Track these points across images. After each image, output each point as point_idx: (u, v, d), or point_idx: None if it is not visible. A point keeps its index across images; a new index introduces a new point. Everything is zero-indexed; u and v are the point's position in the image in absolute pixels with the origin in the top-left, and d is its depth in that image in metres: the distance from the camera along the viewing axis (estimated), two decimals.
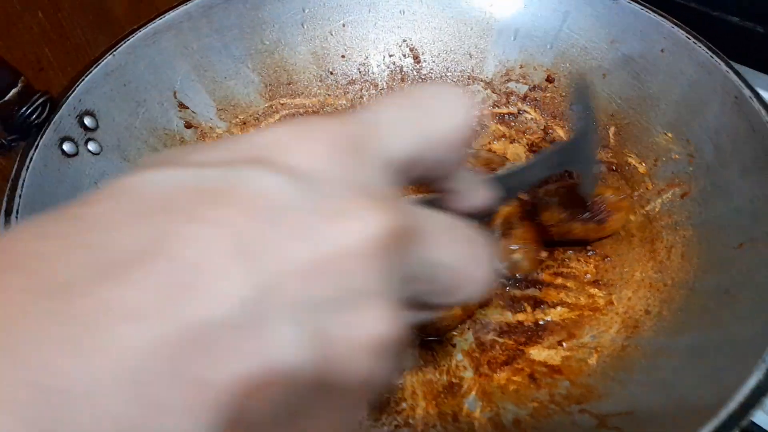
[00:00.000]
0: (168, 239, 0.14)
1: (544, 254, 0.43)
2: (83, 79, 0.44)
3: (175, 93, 0.50)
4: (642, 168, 0.48)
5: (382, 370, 0.17)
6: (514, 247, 0.43)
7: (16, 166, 0.38)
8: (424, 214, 0.19)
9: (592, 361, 0.39)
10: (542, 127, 0.54)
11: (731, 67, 0.43)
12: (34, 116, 0.40)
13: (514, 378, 0.39)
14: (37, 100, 0.40)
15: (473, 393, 0.39)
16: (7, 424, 0.12)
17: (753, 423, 0.34)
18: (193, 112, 0.51)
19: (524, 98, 0.55)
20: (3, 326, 0.13)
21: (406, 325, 0.18)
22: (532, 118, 0.55)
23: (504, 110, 0.56)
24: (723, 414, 0.27)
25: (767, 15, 0.59)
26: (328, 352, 0.15)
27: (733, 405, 0.27)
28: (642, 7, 0.49)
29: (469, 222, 0.22)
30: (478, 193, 0.25)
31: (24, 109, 0.40)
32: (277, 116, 0.54)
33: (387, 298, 0.17)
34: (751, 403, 0.27)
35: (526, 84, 0.55)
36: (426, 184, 0.24)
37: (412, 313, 0.20)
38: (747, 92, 0.41)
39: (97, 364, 0.13)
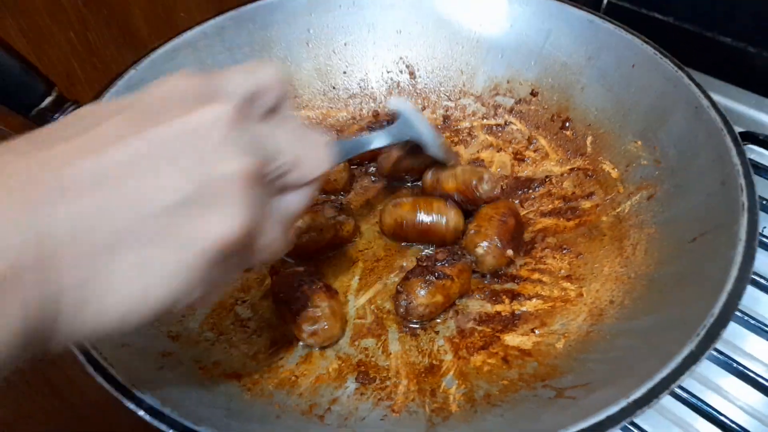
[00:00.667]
0: (92, 127, 0.24)
1: (509, 252, 0.47)
2: (108, 90, 0.49)
3: None
4: (615, 173, 0.52)
5: (249, 198, 0.25)
6: (482, 244, 0.46)
7: None
8: (261, 111, 0.29)
9: (560, 345, 0.42)
10: (527, 137, 0.58)
11: (693, 80, 0.47)
12: None
13: (489, 360, 0.43)
14: (68, 108, 0.45)
15: (451, 373, 0.42)
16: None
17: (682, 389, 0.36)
18: None
19: (510, 111, 0.60)
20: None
21: (270, 177, 0.28)
22: (517, 129, 0.59)
23: (492, 122, 0.60)
24: (657, 377, 0.31)
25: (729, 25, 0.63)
26: (204, 180, 0.24)
27: (667, 370, 0.31)
28: (616, 27, 0.53)
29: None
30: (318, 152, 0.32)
31: (57, 115, 0.45)
32: None
33: (240, 147, 0.25)
34: (684, 368, 0.31)
35: (512, 98, 0.60)
36: None
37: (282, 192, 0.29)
38: (705, 102, 0.45)
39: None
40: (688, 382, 0.32)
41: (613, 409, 0.30)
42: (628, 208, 0.49)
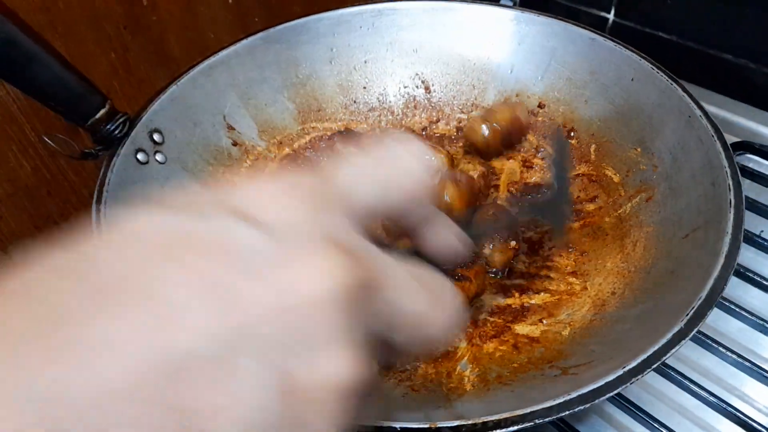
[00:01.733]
0: (153, 281, 0.16)
1: (512, 243, 0.51)
2: (153, 104, 0.54)
3: (224, 117, 0.60)
4: (616, 178, 0.56)
5: (346, 412, 0.18)
6: (486, 245, 0.50)
7: (103, 170, 0.48)
8: (388, 262, 0.20)
9: (566, 332, 0.46)
10: (534, 146, 0.63)
11: (686, 91, 0.51)
12: (116, 131, 0.50)
13: (501, 347, 0.47)
14: (119, 119, 0.50)
15: (465, 358, 0.46)
16: (12, 423, 0.13)
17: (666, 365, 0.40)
18: (239, 132, 0.61)
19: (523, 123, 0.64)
20: (9, 345, 0.14)
21: (371, 367, 0.19)
22: (525, 139, 0.63)
23: None
24: (649, 351, 0.34)
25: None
26: (292, 391, 0.17)
27: (658, 345, 0.35)
28: (615, 44, 0.57)
29: (439, 271, 0.23)
30: (448, 242, 0.27)
31: (108, 125, 0.50)
32: (308, 137, 0.64)
33: (349, 343, 0.18)
34: (673, 343, 0.35)
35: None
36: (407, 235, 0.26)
37: (381, 355, 0.21)
38: (698, 112, 0.49)
39: (90, 383, 0.14)
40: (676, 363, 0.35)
41: (610, 377, 0.34)
42: (629, 210, 0.53)
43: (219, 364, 0.16)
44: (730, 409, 0.43)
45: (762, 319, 0.48)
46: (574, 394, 0.33)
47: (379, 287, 0.19)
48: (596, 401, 0.33)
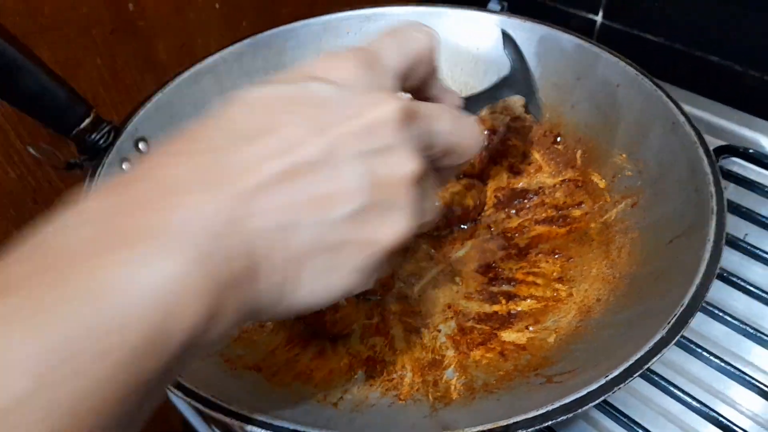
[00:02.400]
0: (274, 125, 0.25)
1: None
2: (139, 112, 0.54)
3: None
4: (602, 184, 0.56)
5: (415, 197, 0.27)
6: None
7: (87, 181, 0.48)
8: (424, 102, 0.29)
9: (551, 339, 0.46)
10: (521, 151, 0.63)
11: (670, 98, 0.51)
12: (101, 141, 0.50)
13: (487, 355, 0.47)
14: (104, 128, 0.50)
15: (452, 366, 0.46)
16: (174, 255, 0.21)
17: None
18: None
19: (506, 127, 0.64)
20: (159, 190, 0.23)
21: (427, 165, 0.28)
22: (512, 144, 0.63)
23: (488, 138, 0.64)
24: (632, 359, 0.35)
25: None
26: (379, 182, 0.26)
27: (641, 353, 0.35)
28: (601, 50, 0.58)
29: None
30: (452, 99, 0.36)
31: (93, 135, 0.50)
32: None
33: (410, 148, 0.27)
34: (656, 351, 0.35)
35: (508, 115, 0.64)
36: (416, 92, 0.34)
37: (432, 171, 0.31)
38: (681, 118, 0.49)
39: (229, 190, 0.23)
40: (661, 368, 0.36)
41: (593, 386, 0.34)
42: (614, 216, 0.53)
43: (331, 164, 0.25)
44: (713, 413, 0.43)
45: (746, 324, 0.49)
46: (557, 404, 0.33)
47: (420, 116, 0.28)
48: (580, 410, 0.33)
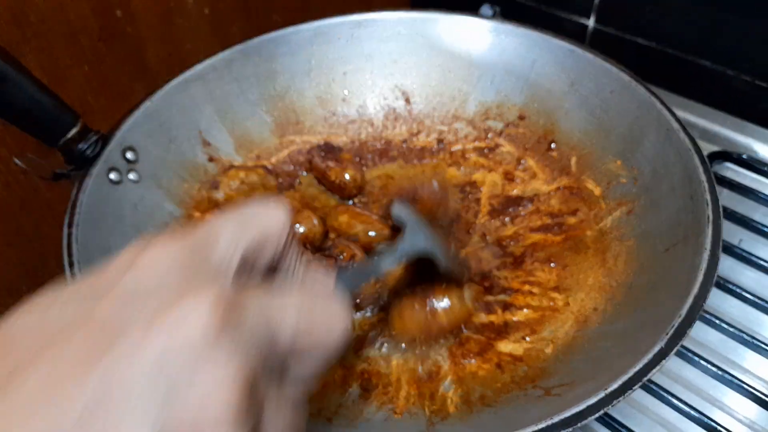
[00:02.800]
0: (17, 373, 0.18)
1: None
2: (127, 120, 0.53)
3: (200, 132, 0.59)
4: (597, 191, 0.56)
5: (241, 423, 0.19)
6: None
7: (74, 191, 0.47)
8: (257, 287, 0.23)
9: (548, 350, 0.46)
10: (516, 158, 0.62)
11: (664, 104, 0.51)
12: (88, 151, 0.49)
13: (484, 366, 0.46)
14: (91, 138, 0.49)
15: (449, 378, 0.46)
16: None
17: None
18: (215, 148, 0.60)
19: (500, 133, 0.64)
20: None
21: (269, 379, 0.21)
22: (507, 151, 0.63)
23: (483, 144, 0.64)
24: (630, 372, 0.34)
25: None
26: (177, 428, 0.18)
27: (639, 365, 0.34)
28: (594, 55, 0.57)
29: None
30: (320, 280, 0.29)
31: (81, 145, 0.49)
32: (286, 151, 0.63)
33: (229, 364, 0.19)
34: (654, 363, 0.34)
35: (501, 121, 0.64)
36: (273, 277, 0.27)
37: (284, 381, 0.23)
38: (675, 125, 0.49)
39: None
40: (657, 376, 0.35)
41: (592, 400, 0.33)
42: (610, 223, 0.53)
43: (103, 412, 0.17)
44: (709, 421, 0.43)
45: (741, 330, 0.49)
46: (556, 418, 0.33)
47: (248, 306, 0.21)
48: (579, 424, 0.33)
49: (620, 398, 0.33)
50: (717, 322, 0.49)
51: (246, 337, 0.20)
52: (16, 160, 0.49)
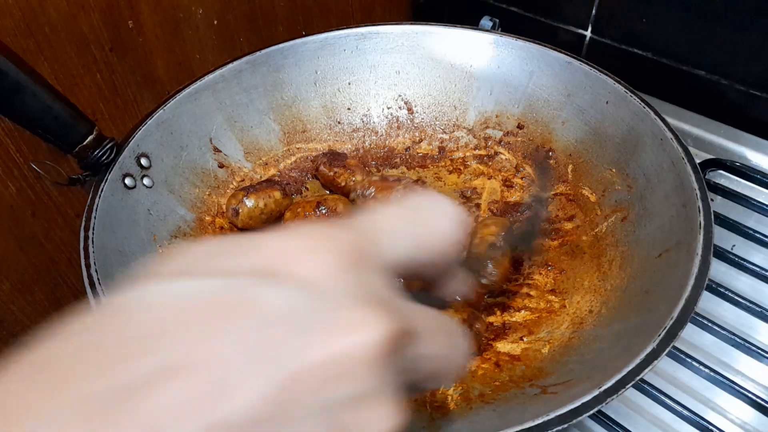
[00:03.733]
0: (189, 355, 0.16)
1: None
2: (140, 129, 0.55)
3: (210, 139, 0.61)
4: (593, 198, 0.57)
5: None
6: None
7: (90, 195, 0.49)
8: (417, 313, 0.21)
9: (545, 350, 0.47)
10: (514, 166, 0.64)
11: (658, 115, 0.53)
12: (104, 157, 0.51)
13: (483, 365, 0.48)
14: (106, 145, 0.51)
15: None
16: None
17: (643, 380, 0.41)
18: (225, 155, 0.62)
19: (499, 142, 0.66)
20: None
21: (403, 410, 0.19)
22: (506, 159, 0.65)
23: (483, 152, 0.66)
24: (624, 371, 0.36)
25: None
26: None
27: (632, 365, 0.36)
28: (591, 67, 0.59)
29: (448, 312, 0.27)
30: (465, 285, 0.29)
31: (96, 151, 0.51)
32: (293, 158, 0.65)
33: (391, 394, 0.19)
34: (647, 363, 0.36)
35: (501, 130, 0.66)
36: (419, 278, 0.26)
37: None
38: (669, 134, 0.51)
39: None
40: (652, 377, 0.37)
41: (587, 398, 0.35)
42: (605, 229, 0.54)
43: (276, 424, 0.16)
44: (703, 422, 0.45)
45: (734, 334, 0.50)
46: (552, 415, 0.34)
47: (410, 339, 0.20)
48: (574, 421, 0.35)
49: (614, 396, 0.35)
50: (710, 325, 0.51)
51: (405, 363, 0.20)
52: (33, 165, 0.51)
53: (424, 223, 0.23)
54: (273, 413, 0.16)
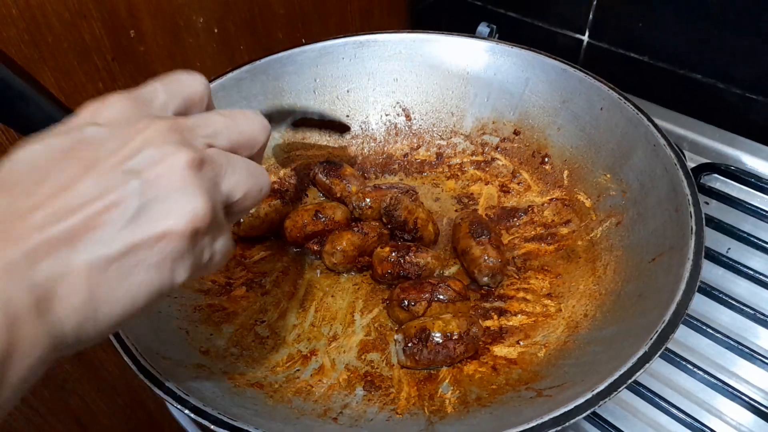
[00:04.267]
0: (50, 175, 0.27)
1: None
2: None
3: None
4: (588, 203, 0.58)
5: (198, 180, 0.29)
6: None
7: None
8: (193, 116, 0.32)
9: (541, 354, 0.48)
10: (511, 171, 0.65)
11: (651, 121, 0.54)
12: None
13: (480, 369, 0.49)
14: None
15: (447, 381, 0.48)
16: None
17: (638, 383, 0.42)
18: None
19: (496, 148, 0.67)
20: None
21: (217, 157, 0.30)
22: (502, 164, 0.66)
23: (480, 158, 0.67)
24: (616, 374, 0.37)
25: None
26: (149, 181, 0.27)
27: (624, 368, 0.37)
28: (585, 74, 0.60)
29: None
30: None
31: None
32: (293, 164, 0.66)
33: (174, 142, 0.29)
34: (639, 366, 0.37)
35: (497, 136, 0.67)
36: None
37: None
38: (662, 141, 0.52)
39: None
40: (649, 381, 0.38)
41: (580, 401, 0.36)
42: (600, 234, 0.55)
43: (102, 190, 0.27)
44: (699, 425, 0.46)
45: (727, 335, 0.51)
46: (546, 417, 0.35)
47: (186, 125, 0.30)
48: (568, 423, 0.35)
49: (607, 399, 0.36)
50: (703, 327, 0.52)
51: (186, 139, 0.30)
52: None
53: (172, 81, 0.34)
54: (100, 187, 0.27)
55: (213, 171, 0.30)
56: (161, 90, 0.32)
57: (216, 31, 0.77)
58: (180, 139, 0.29)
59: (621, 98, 0.57)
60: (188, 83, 0.34)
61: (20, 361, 0.24)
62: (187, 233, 0.28)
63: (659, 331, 0.39)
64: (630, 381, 0.36)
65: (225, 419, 0.36)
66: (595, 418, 0.47)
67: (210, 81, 0.63)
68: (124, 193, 0.27)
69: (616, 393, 0.36)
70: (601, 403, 0.36)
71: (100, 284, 0.26)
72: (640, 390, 0.47)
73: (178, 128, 0.30)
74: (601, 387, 0.36)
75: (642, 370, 0.37)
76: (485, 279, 0.54)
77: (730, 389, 0.48)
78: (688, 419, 0.46)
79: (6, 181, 0.27)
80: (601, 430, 0.47)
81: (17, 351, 0.24)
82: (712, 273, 0.59)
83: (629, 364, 0.37)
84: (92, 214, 0.26)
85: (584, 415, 0.35)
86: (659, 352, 0.38)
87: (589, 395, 0.36)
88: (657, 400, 0.47)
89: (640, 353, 0.38)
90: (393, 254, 0.54)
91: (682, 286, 0.41)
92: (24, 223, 0.25)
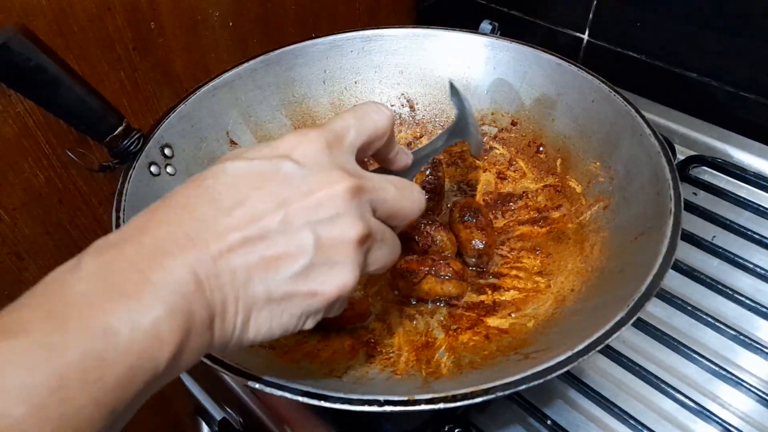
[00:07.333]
0: (245, 199, 0.30)
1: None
2: (164, 121, 0.60)
3: (227, 132, 0.66)
4: (579, 189, 0.62)
5: (358, 256, 0.33)
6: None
7: (120, 181, 0.54)
8: (373, 176, 0.35)
9: (530, 324, 0.52)
10: (508, 160, 0.69)
11: (638, 112, 0.57)
12: (131, 147, 0.56)
13: (474, 338, 0.53)
14: (134, 135, 0.56)
15: (443, 347, 0.52)
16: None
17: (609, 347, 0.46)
18: (240, 147, 0.67)
19: (494, 137, 0.71)
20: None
21: (377, 230, 0.35)
22: (500, 153, 0.70)
23: None
24: (594, 336, 0.40)
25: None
26: (323, 243, 0.32)
27: (601, 331, 0.41)
28: (578, 68, 0.64)
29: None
30: (404, 159, 0.44)
31: (125, 141, 0.56)
32: None
33: (355, 216, 0.33)
34: (615, 329, 0.41)
35: (495, 127, 0.71)
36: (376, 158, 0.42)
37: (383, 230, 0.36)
38: (647, 131, 0.55)
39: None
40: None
41: (561, 358, 0.40)
42: (589, 217, 0.59)
43: (284, 232, 0.30)
44: (704, 410, 0.49)
45: (706, 313, 0.55)
46: (529, 372, 0.39)
47: (368, 188, 0.34)
48: (549, 377, 0.39)
49: (584, 356, 0.40)
50: (682, 304, 0.55)
51: (365, 203, 0.34)
52: (69, 153, 0.55)
53: (364, 117, 0.37)
54: (283, 226, 0.30)
55: (370, 244, 0.34)
56: (353, 127, 0.35)
57: (230, 24, 0.81)
58: (358, 206, 0.33)
59: (611, 91, 0.60)
60: (376, 119, 0.37)
61: (184, 360, 0.28)
62: (332, 298, 0.32)
63: (636, 299, 0.43)
64: (608, 341, 0.40)
65: (239, 368, 0.40)
66: (601, 400, 0.51)
67: (226, 71, 0.68)
68: (302, 247, 0.31)
69: (594, 351, 0.40)
70: (579, 359, 0.39)
71: (256, 318, 0.31)
72: (638, 372, 0.51)
73: (359, 191, 0.33)
74: (581, 347, 0.40)
75: (617, 333, 0.41)
76: (472, 260, 0.58)
77: (730, 375, 0.51)
78: (691, 403, 0.50)
79: (213, 190, 0.31)
80: (607, 412, 0.51)
81: (184, 352, 0.28)
82: (695, 258, 0.62)
83: (606, 328, 0.41)
84: (274, 255, 0.30)
85: (565, 369, 0.39)
86: (634, 318, 0.42)
87: (569, 353, 0.40)
88: (654, 380, 0.51)
89: (617, 318, 0.41)
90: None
91: (659, 261, 0.45)
92: (220, 240, 0.29)
